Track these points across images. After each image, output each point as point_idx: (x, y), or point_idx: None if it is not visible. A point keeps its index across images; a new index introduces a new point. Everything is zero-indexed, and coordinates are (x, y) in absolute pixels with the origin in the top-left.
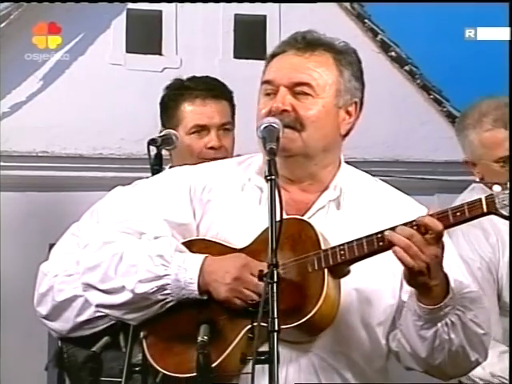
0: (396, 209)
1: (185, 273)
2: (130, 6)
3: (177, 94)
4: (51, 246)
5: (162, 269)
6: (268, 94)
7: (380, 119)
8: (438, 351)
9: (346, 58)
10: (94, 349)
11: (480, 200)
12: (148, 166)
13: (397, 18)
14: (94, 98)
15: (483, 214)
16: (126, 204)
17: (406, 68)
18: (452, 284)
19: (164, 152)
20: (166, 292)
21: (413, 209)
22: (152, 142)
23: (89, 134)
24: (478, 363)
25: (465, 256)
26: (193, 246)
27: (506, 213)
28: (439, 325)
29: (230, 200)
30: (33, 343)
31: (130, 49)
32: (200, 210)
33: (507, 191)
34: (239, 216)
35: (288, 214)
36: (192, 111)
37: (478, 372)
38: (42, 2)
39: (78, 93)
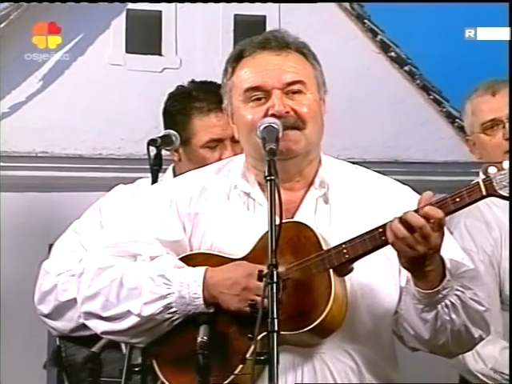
0: (382, 194)
1: (188, 288)
2: (130, 6)
3: (186, 107)
4: (51, 246)
5: (164, 288)
6: (258, 99)
7: (380, 119)
8: (440, 332)
9: (309, 52)
10: (93, 349)
11: (478, 183)
12: (148, 167)
13: (396, 18)
14: (93, 98)
15: (483, 197)
16: (115, 227)
17: (406, 68)
18: (448, 265)
19: (164, 152)
20: (171, 310)
21: (398, 191)
22: (152, 142)
23: (88, 135)
24: (481, 339)
25: (467, 249)
26: (190, 260)
27: (505, 193)
28: (439, 307)
29: (217, 211)
30: (33, 343)
31: (129, 49)
32: (189, 223)
33: (503, 171)
34: (230, 226)
35: (279, 216)
36: (206, 125)
37: (480, 367)
38: (41, 2)
39: (78, 93)
